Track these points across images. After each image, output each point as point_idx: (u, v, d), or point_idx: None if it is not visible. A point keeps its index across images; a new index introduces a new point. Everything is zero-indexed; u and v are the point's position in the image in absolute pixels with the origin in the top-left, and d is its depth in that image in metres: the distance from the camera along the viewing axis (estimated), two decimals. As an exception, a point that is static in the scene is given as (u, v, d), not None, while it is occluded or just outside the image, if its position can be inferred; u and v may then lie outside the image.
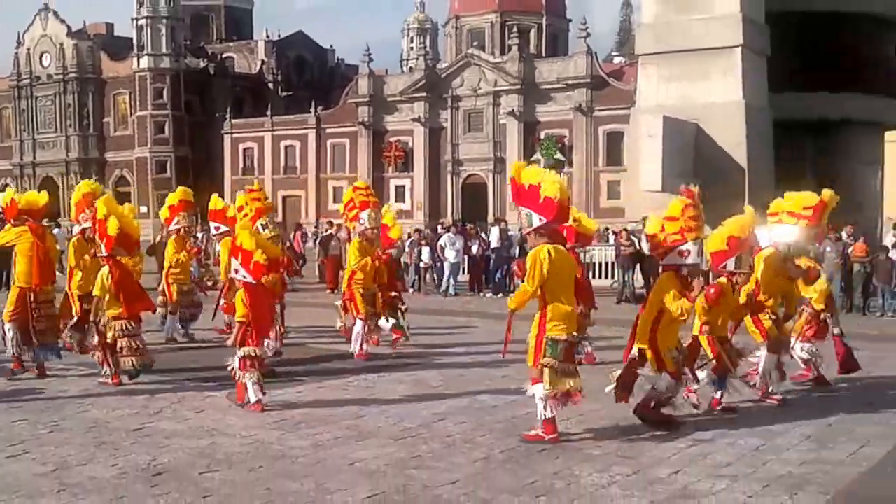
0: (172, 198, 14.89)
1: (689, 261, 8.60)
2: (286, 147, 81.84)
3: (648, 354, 8.63)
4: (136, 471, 7.30)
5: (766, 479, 7.11)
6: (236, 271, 9.87)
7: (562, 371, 8.12)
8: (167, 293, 14.37)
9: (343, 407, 9.65)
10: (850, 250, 19.95)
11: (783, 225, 10.21)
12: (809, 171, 28.94)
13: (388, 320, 13.45)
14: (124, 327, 10.69)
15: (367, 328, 12.85)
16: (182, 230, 14.59)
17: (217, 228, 14.67)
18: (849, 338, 11.58)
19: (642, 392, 8.72)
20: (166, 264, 14.50)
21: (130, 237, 11.18)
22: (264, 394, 9.55)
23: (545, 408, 8.14)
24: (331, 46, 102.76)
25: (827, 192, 10.29)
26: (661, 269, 9.20)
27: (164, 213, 15.04)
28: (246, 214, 12.27)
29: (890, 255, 20.05)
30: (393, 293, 13.81)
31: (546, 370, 8.08)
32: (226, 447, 7.99)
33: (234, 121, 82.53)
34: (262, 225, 12.00)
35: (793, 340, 10.81)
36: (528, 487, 6.87)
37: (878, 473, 7.34)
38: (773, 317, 9.95)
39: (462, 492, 6.76)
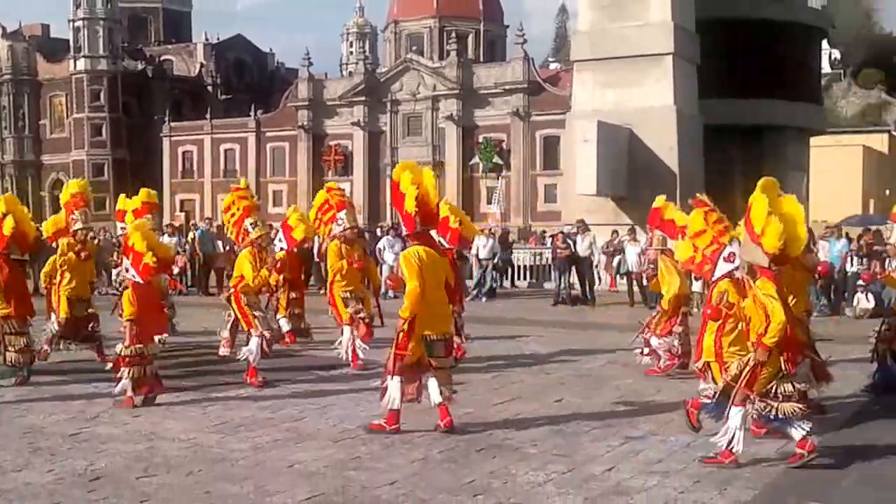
0: (135, 202, 14.32)
1: (738, 262, 8.26)
2: (226, 150, 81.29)
3: (714, 367, 8.24)
4: (73, 476, 7.27)
5: (696, 474, 7.29)
6: (126, 270, 10.05)
7: (443, 366, 8.52)
8: None
9: (283, 409, 9.69)
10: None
11: None
12: (738, 175, 29.61)
13: (288, 322, 13.63)
14: (10, 326, 10.90)
15: (354, 333, 12.27)
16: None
17: (123, 228, 14.44)
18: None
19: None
20: None
21: (26, 237, 11.35)
22: (137, 395, 9.75)
23: (393, 399, 8.47)
24: (270, 50, 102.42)
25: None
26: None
27: (128, 218, 14.55)
28: (233, 214, 11.85)
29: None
30: (294, 294, 13.86)
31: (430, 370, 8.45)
32: (164, 451, 7.99)
33: (172, 123, 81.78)
34: (251, 224, 11.50)
35: (648, 334, 11.67)
36: (465, 487, 6.97)
37: (804, 465, 7.57)
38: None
39: (401, 492, 6.84)
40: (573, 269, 22.54)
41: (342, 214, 12.62)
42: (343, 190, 13.75)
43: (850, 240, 21.35)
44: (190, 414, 9.45)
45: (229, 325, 12.09)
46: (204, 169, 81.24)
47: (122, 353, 9.74)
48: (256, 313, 11.27)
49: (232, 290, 11.51)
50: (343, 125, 76.34)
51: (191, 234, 26.81)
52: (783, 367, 7.43)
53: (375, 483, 7.03)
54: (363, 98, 75.26)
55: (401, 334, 8.47)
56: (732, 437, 7.40)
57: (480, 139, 71.61)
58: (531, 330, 16.78)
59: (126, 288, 10.21)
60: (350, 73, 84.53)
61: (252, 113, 79.58)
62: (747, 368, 7.41)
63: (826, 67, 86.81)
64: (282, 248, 14.03)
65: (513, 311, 20.96)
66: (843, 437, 8.50)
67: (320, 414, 9.49)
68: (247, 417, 9.29)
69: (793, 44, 31.53)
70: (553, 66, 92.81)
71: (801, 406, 7.41)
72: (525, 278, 27.62)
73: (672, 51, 26.07)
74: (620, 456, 7.85)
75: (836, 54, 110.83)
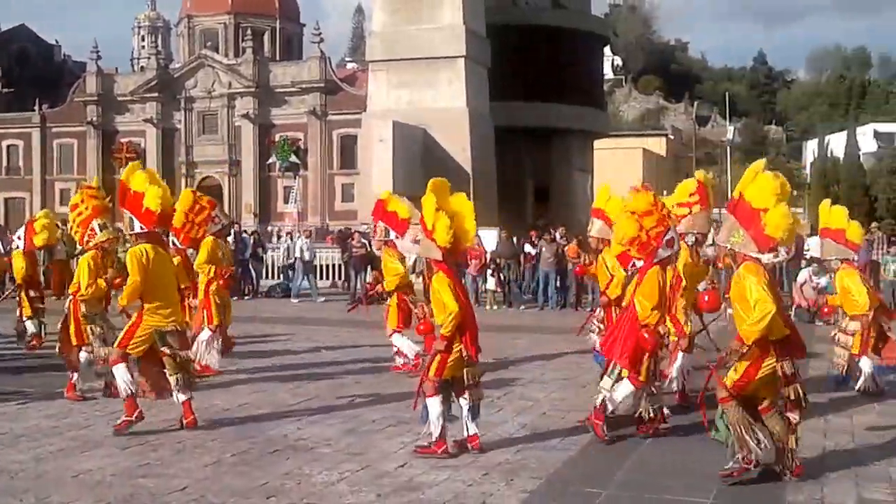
0: None
1: (675, 248, 8.46)
2: (8, 146, 77.48)
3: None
4: None
5: (485, 467, 7.52)
6: None
7: (183, 358, 8.80)
8: None
9: (68, 418, 9.35)
10: (564, 250, 21.10)
11: (679, 218, 10.04)
12: (528, 175, 30.63)
13: (34, 324, 13.48)
14: None
15: (215, 340, 11.80)
16: None
17: None
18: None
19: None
20: None
21: None
22: None
23: (123, 389, 8.69)
24: (56, 42, 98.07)
25: (700, 173, 10.54)
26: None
27: None
28: (80, 213, 10.63)
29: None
30: (33, 293, 13.64)
31: (167, 359, 8.66)
32: (-63, 466, 7.59)
33: (-51, 118, 77.10)
34: (98, 225, 10.44)
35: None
36: (258, 489, 6.94)
37: (584, 455, 7.97)
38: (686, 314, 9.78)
39: (191, 498, 6.76)
40: (369, 268, 22.69)
41: (217, 212, 12.40)
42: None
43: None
44: None
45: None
46: (-17, 166, 77.00)
47: None
48: (94, 326, 10.25)
49: (71, 296, 10.48)
50: (135, 122, 74.05)
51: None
52: (464, 354, 7.82)
53: (165, 489, 6.91)
54: (156, 94, 73.24)
55: (127, 328, 8.77)
56: (436, 426, 7.80)
57: (277, 138, 71.00)
58: (329, 330, 16.82)
59: None
60: (142, 68, 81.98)
61: (37, 107, 75.95)
62: (436, 359, 7.81)
63: (609, 73, 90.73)
64: (18, 247, 13.65)
65: (312, 310, 20.94)
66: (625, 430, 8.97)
67: (108, 421, 9.17)
68: (29, 427, 8.93)
69: (576, 50, 32.86)
70: (350, 65, 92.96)
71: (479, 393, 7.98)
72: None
73: (464, 54, 26.64)
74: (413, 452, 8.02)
75: (619, 61, 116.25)
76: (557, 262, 20.84)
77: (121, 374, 8.68)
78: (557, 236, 21.48)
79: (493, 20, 28.86)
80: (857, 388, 10.57)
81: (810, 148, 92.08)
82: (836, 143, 79.46)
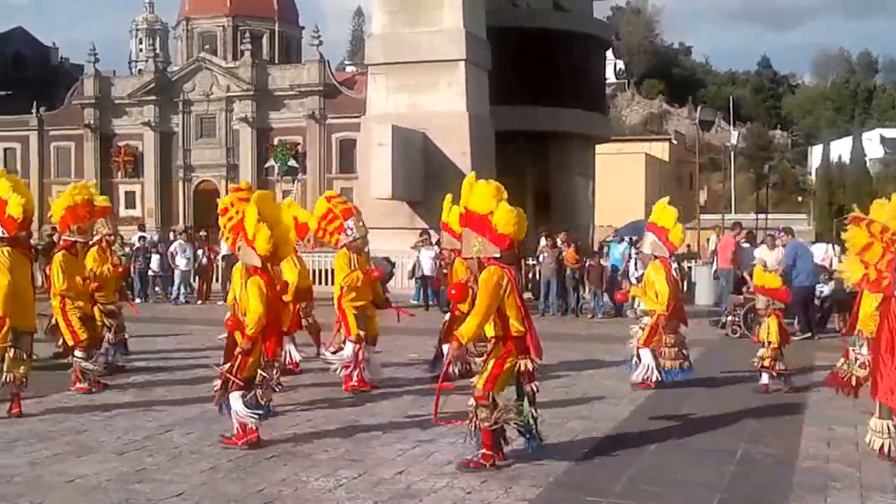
0: (72, 199, 12.01)
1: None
2: (5, 149, 77.42)
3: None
4: None
5: (484, 474, 7.43)
6: None
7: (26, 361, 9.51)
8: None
9: (64, 422, 9.29)
10: (563, 255, 21.03)
11: None
12: (529, 180, 30.52)
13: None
14: None
15: (361, 353, 11.33)
16: (104, 240, 12.43)
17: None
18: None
19: None
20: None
21: None
22: None
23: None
24: (53, 44, 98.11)
25: None
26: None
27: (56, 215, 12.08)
28: (231, 218, 9.71)
29: (603, 261, 21.38)
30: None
31: (8, 357, 9.36)
32: (-70, 470, 7.51)
33: (-55, 120, 76.90)
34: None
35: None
36: (255, 495, 6.89)
37: (585, 464, 7.89)
38: None
39: (187, 503, 6.70)
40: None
41: (350, 223, 11.84)
42: (343, 197, 12.98)
43: (631, 243, 22.28)
44: None
45: None
46: (-20, 168, 76.83)
47: None
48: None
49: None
50: (133, 125, 73.97)
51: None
52: (262, 355, 8.29)
53: (161, 495, 6.85)
54: (154, 97, 73.17)
55: None
56: (242, 418, 8.16)
57: (276, 142, 70.91)
58: (326, 335, 16.70)
59: None
60: (140, 71, 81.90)
61: (34, 110, 75.89)
62: (238, 358, 8.16)
63: (611, 77, 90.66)
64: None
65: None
66: (623, 438, 8.89)
67: (104, 425, 9.15)
68: (25, 431, 8.86)
69: (578, 54, 32.80)
70: (349, 68, 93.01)
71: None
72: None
73: (464, 57, 26.58)
74: (411, 459, 7.94)
75: (621, 65, 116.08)
76: (557, 268, 20.74)
77: None
78: (559, 241, 21.38)
79: (493, 23, 28.81)
80: (632, 378, 11.27)
81: (816, 153, 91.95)
82: (842, 149, 79.33)
